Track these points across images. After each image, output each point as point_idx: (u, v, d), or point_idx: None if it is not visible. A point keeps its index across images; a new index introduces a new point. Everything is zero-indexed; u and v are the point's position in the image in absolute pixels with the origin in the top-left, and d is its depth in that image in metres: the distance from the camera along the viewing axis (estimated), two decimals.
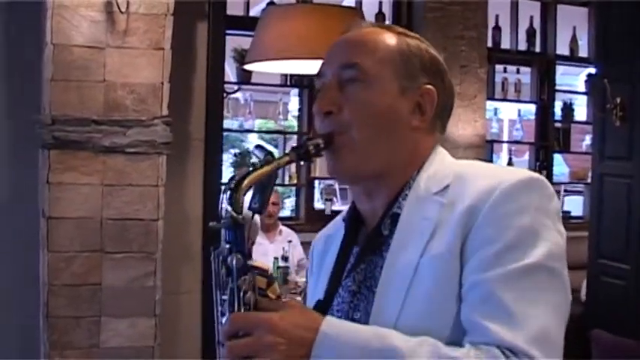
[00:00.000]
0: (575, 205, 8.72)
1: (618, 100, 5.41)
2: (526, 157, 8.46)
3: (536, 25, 7.76)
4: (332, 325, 1.36)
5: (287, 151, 1.50)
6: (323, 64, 1.60)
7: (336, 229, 1.69)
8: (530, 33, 7.74)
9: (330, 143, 1.52)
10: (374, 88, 1.53)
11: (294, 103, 8.14)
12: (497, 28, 7.49)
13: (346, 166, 1.54)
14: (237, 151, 7.59)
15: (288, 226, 6.97)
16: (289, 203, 8.98)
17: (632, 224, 5.47)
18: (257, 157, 1.49)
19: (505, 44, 7.64)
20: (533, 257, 1.37)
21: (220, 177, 4.42)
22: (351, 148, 1.52)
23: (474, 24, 6.39)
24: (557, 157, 8.47)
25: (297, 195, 7.81)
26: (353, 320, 1.49)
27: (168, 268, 3.88)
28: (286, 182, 7.72)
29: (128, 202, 3.73)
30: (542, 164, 7.81)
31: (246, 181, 1.43)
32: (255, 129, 8.15)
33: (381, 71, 1.54)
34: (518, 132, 8.24)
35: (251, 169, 1.44)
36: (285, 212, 8.42)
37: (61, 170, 3.63)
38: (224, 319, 1.41)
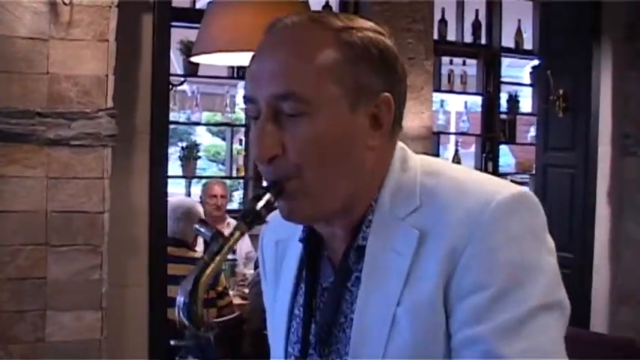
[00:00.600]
0: None
1: (561, 91, 5.51)
2: (472, 149, 8.55)
3: (482, 17, 7.84)
4: None
5: (236, 225, 1.29)
6: (250, 85, 1.32)
7: (288, 235, 1.49)
8: (476, 26, 7.84)
9: (282, 192, 1.30)
10: (319, 118, 1.28)
11: (241, 95, 8.12)
12: (443, 21, 7.57)
13: (303, 213, 1.34)
14: (184, 144, 7.54)
15: (236, 219, 6.96)
16: (237, 196, 8.98)
17: (576, 214, 5.58)
18: (203, 234, 1.29)
19: (451, 37, 7.72)
20: (531, 300, 1.21)
21: (166, 170, 4.39)
22: (306, 194, 1.31)
23: (421, 17, 6.43)
24: (504, 148, 8.59)
25: (245, 187, 7.82)
26: (321, 358, 1.38)
27: (114, 261, 3.85)
28: (234, 175, 7.73)
29: (73, 194, 3.70)
30: (489, 155, 7.92)
31: (200, 286, 1.24)
32: (203, 121, 8.13)
33: (325, 93, 1.28)
34: (465, 124, 8.35)
35: (199, 270, 1.25)
36: (233, 205, 8.42)
37: (4, 163, 3.59)
38: None
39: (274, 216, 1.35)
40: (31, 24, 3.59)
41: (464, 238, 1.23)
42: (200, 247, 5.98)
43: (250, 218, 1.27)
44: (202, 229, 1.29)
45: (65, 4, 3.59)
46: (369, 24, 1.35)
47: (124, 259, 4.14)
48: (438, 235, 1.25)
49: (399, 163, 1.37)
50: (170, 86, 4.74)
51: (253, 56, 1.34)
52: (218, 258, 1.24)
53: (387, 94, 1.32)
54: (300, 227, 1.45)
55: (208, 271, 1.24)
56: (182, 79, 6.30)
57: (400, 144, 1.40)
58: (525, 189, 1.31)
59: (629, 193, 5.58)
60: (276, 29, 1.35)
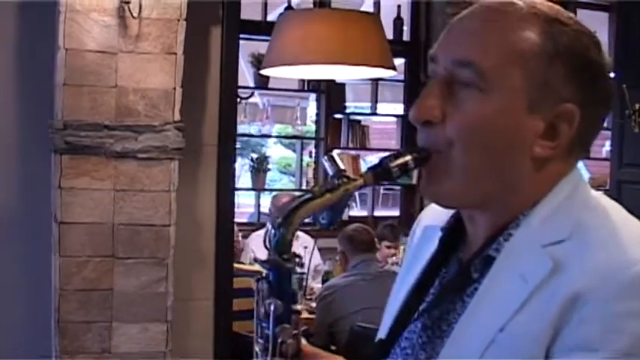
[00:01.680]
0: None
1: (637, 106, 5.36)
2: None
3: None
4: None
5: (363, 172, 1.22)
6: (437, 45, 1.24)
7: (439, 222, 1.38)
8: None
9: (425, 162, 1.21)
10: (492, 100, 1.17)
11: (311, 107, 8.14)
12: None
13: (440, 194, 1.25)
14: (255, 155, 7.57)
15: (306, 231, 6.95)
16: None
17: None
18: (326, 171, 1.23)
19: None
20: None
21: (233, 183, 4.41)
22: (448, 173, 1.21)
23: None
24: (579, 163, 8.40)
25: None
26: (417, 356, 1.30)
27: (180, 274, 3.87)
28: (304, 187, 7.73)
29: (140, 207, 3.72)
30: None
31: (299, 213, 1.18)
32: (273, 134, 8.16)
33: (507, 76, 1.17)
34: None
35: (309, 195, 1.19)
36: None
37: (73, 175, 3.63)
38: None
39: (435, 211, 1.33)
40: (100, 37, 3.62)
41: (593, 290, 1.08)
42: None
43: (378, 170, 1.20)
44: (327, 164, 1.22)
45: (134, 17, 3.61)
46: (590, 31, 1.22)
47: (189, 272, 4.16)
48: (570, 275, 1.11)
49: (569, 189, 1.22)
50: (239, 99, 4.74)
51: (450, 24, 1.24)
52: (328, 195, 1.17)
53: (573, 105, 1.18)
54: (448, 215, 1.36)
55: (312, 203, 1.17)
56: (251, 91, 6.30)
57: (581, 173, 1.27)
58: None
59: None
60: (478, 3, 1.24)
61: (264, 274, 1.22)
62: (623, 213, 1.24)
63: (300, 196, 1.19)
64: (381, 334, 1.37)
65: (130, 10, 3.60)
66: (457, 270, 1.29)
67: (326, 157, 1.24)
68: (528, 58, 1.16)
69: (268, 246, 1.20)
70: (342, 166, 1.21)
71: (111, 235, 3.70)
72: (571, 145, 1.20)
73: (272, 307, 1.18)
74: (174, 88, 3.73)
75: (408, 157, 1.20)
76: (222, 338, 4.29)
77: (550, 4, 1.21)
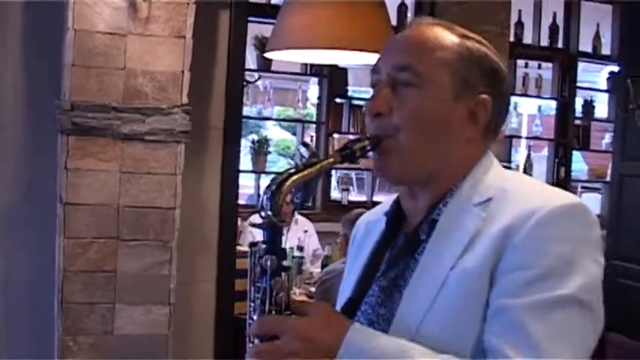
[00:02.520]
0: (593, 203, 8.67)
1: None
2: (544, 152, 8.42)
3: (559, 21, 7.71)
4: (358, 334, 1.38)
5: (331, 153, 1.51)
6: (379, 59, 1.58)
7: (378, 216, 1.70)
8: (553, 29, 7.70)
9: (378, 145, 1.52)
10: (427, 94, 1.51)
11: (313, 91, 8.12)
12: (520, 23, 7.46)
13: (392, 170, 1.54)
14: (256, 138, 7.56)
15: (304, 215, 6.97)
16: None
17: None
18: (302, 155, 1.55)
19: (527, 39, 7.60)
20: (566, 288, 1.33)
21: (238, 166, 4.40)
22: (398, 153, 1.51)
23: (498, 19, 6.34)
24: (576, 155, 8.43)
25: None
26: (378, 315, 1.53)
27: (183, 256, 3.87)
28: None
29: (145, 190, 3.72)
30: (562, 161, 7.79)
31: (287, 184, 1.44)
32: (274, 116, 8.14)
33: (437, 76, 1.51)
34: (538, 128, 8.21)
35: (293, 170, 1.46)
36: None
37: (79, 156, 3.62)
38: (255, 316, 1.43)
39: (373, 210, 1.74)
40: (110, 19, 3.61)
41: (520, 223, 1.38)
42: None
43: (344, 152, 1.50)
44: (301, 150, 1.57)
45: (144, 0, 3.60)
46: (489, 45, 1.58)
47: (193, 255, 4.17)
48: (499, 220, 1.41)
49: (487, 165, 1.56)
50: (244, 82, 4.73)
51: (386, 43, 1.61)
52: (308, 170, 1.45)
53: (487, 96, 1.53)
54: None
55: (298, 175, 1.44)
56: (256, 75, 6.29)
57: (492, 158, 1.59)
58: (586, 205, 1.44)
59: None
60: (412, 23, 1.62)
61: (256, 244, 1.45)
62: (529, 178, 1.65)
63: (285, 171, 1.45)
64: (339, 305, 1.65)
65: None
66: (405, 238, 1.58)
67: (301, 144, 1.57)
68: (451, 62, 1.51)
69: (262, 212, 1.44)
70: (314, 150, 1.58)
71: (116, 216, 3.70)
72: (486, 130, 1.56)
73: (268, 263, 1.40)
74: (183, 72, 3.72)
75: (366, 142, 1.51)
76: (223, 321, 4.30)
77: (455, 26, 1.58)
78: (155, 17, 3.67)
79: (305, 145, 1.58)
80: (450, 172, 1.54)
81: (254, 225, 1.50)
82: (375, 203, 6.94)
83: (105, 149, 3.66)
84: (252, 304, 1.45)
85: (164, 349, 3.80)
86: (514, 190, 1.48)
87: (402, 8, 7.09)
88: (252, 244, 1.46)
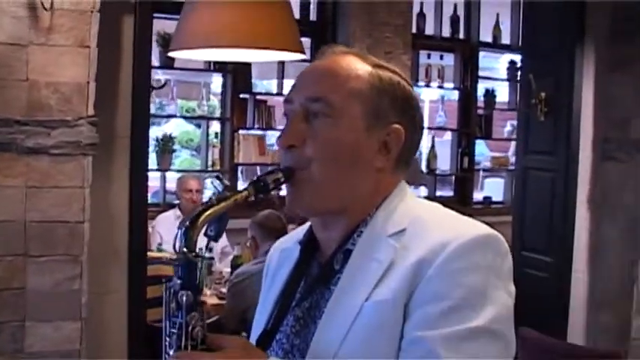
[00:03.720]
0: (497, 188, 8.84)
1: (543, 95, 5.48)
2: (446, 136, 8.54)
3: (460, 11, 7.82)
4: None
5: (245, 186, 1.50)
6: (291, 90, 1.58)
7: (291, 244, 1.70)
8: (454, 19, 7.81)
9: (291, 177, 1.51)
10: (339, 125, 1.50)
11: (216, 84, 8.05)
12: (421, 15, 7.53)
13: (304, 202, 1.54)
14: (160, 135, 7.44)
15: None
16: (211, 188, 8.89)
17: (556, 218, 5.58)
18: (215, 188, 1.54)
19: (429, 31, 7.69)
20: (479, 320, 1.36)
21: (146, 174, 4.32)
22: (309, 185, 1.51)
23: (399, 10, 6.40)
24: (479, 142, 8.58)
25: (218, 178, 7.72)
26: (292, 345, 1.53)
27: (93, 269, 3.79)
28: (209, 168, 7.66)
29: (53, 204, 3.63)
30: (465, 150, 7.91)
31: (201, 219, 1.43)
32: (178, 110, 8.03)
33: (349, 107, 1.51)
34: (441, 117, 8.32)
35: (207, 204, 1.45)
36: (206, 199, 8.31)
37: None
38: (171, 352, 1.42)
39: (287, 237, 1.74)
40: (10, 29, 3.50)
41: (433, 256, 1.39)
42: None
43: (258, 185, 1.49)
44: (216, 183, 1.56)
45: (45, 9, 3.50)
46: (402, 74, 1.59)
47: (103, 268, 4.08)
48: (413, 252, 1.42)
49: (400, 195, 1.56)
50: (151, 89, 4.65)
51: (302, 71, 1.61)
52: (222, 204, 1.45)
53: (399, 126, 1.53)
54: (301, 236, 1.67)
55: (212, 210, 1.44)
56: (163, 80, 6.19)
57: (406, 188, 1.59)
58: (498, 235, 1.46)
59: (608, 198, 5.58)
60: (325, 52, 1.61)
61: (172, 276, 1.44)
62: (443, 209, 1.59)
63: (200, 205, 1.46)
64: (254, 335, 1.64)
65: (41, 2, 3.48)
66: (319, 268, 1.58)
67: (214, 178, 1.58)
68: (363, 92, 1.52)
69: (177, 248, 1.43)
70: (227, 183, 1.59)
71: (23, 232, 3.60)
72: (398, 160, 1.56)
73: (184, 299, 1.40)
74: (88, 82, 3.64)
75: (280, 174, 1.51)
76: (136, 332, 4.23)
77: (368, 55, 1.59)
78: (58, 26, 3.57)
79: (218, 178, 1.58)
80: (362, 203, 1.54)
81: (168, 260, 1.50)
82: (281, 198, 6.93)
83: (9, 164, 3.55)
84: (167, 339, 1.44)
85: None
86: (428, 221, 1.49)
87: (303, 2, 7.06)
88: (167, 280, 1.45)
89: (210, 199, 1.47)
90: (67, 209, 3.66)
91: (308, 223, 1.68)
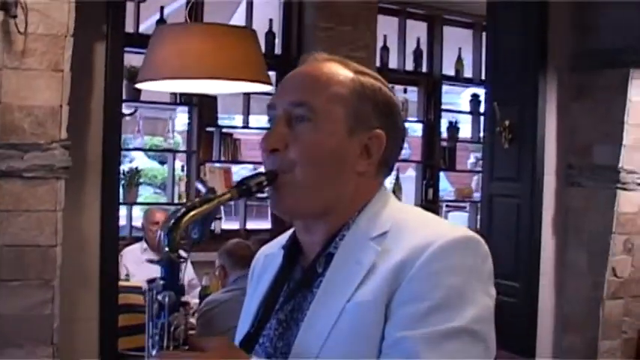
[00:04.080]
0: (460, 221, 8.91)
1: (507, 122, 5.58)
2: (409, 172, 8.59)
3: (423, 45, 7.92)
4: None
5: (229, 189, 1.51)
6: (275, 95, 1.60)
7: (275, 249, 1.71)
8: (417, 53, 7.90)
9: (273, 181, 1.53)
10: (322, 129, 1.52)
11: (181, 119, 8.07)
12: (385, 49, 7.61)
13: (286, 205, 1.56)
14: (126, 168, 7.43)
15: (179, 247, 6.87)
16: None
17: (521, 243, 5.65)
18: (199, 190, 1.56)
19: (393, 64, 7.77)
20: (459, 321, 1.37)
21: (118, 199, 4.33)
22: (292, 188, 1.53)
23: (363, 44, 6.46)
24: (441, 175, 8.65)
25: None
26: (275, 348, 1.54)
27: (65, 294, 3.77)
28: (175, 201, 7.64)
29: (25, 227, 3.62)
30: (429, 182, 7.97)
31: (185, 219, 1.43)
32: (145, 146, 8.04)
33: (331, 111, 1.53)
34: (405, 150, 8.38)
35: (191, 206, 1.45)
36: None
37: None
38: (154, 352, 1.42)
39: (271, 243, 1.74)
40: None
41: (414, 257, 1.41)
42: (144, 274, 5.91)
43: (241, 188, 1.51)
44: (200, 185, 1.59)
45: (20, 32, 3.52)
46: (382, 80, 1.61)
47: (75, 292, 4.07)
48: (395, 254, 1.44)
49: (382, 199, 1.59)
50: (121, 115, 4.67)
51: (285, 77, 1.62)
52: (206, 206, 1.45)
53: (380, 131, 1.55)
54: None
55: (195, 211, 1.44)
56: (133, 108, 6.20)
57: (388, 193, 1.62)
58: (479, 238, 1.48)
59: (572, 223, 5.67)
60: (307, 59, 1.63)
61: (153, 280, 1.44)
62: (425, 213, 1.63)
63: (183, 207, 1.46)
64: (237, 340, 1.63)
65: (16, 25, 3.50)
66: (302, 272, 1.59)
67: (199, 180, 1.57)
68: (345, 97, 1.54)
69: (162, 248, 1.43)
70: (211, 186, 1.57)
71: None
72: (380, 165, 1.58)
73: (166, 299, 1.39)
74: (61, 106, 3.65)
75: (263, 177, 1.53)
76: (107, 357, 4.21)
77: (350, 62, 1.61)
78: (31, 50, 3.58)
79: (202, 181, 1.60)
80: (344, 206, 1.56)
81: (152, 262, 1.48)
82: (248, 231, 6.91)
83: None
84: (150, 340, 1.44)
85: None
86: (409, 224, 1.51)
87: (269, 35, 7.12)
88: (150, 281, 1.45)
89: (194, 200, 1.47)
90: (39, 233, 3.64)
91: (292, 229, 1.69)
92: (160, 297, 1.40)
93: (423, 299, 1.38)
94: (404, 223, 1.51)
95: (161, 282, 1.42)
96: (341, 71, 1.57)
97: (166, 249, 1.42)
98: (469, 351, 1.37)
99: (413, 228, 1.49)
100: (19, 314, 3.62)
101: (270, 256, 1.73)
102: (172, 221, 1.42)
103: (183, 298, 1.44)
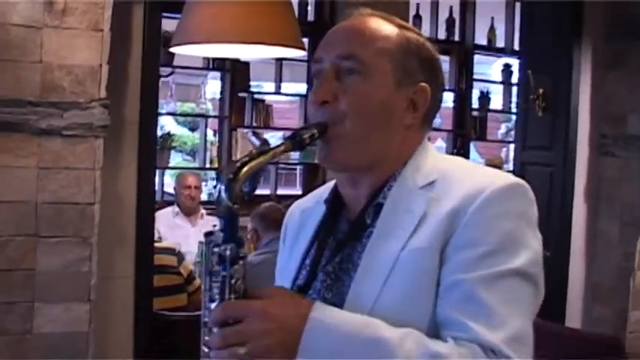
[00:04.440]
0: None
1: (541, 90, 5.55)
2: (438, 143, 8.58)
3: (456, 14, 7.88)
4: (321, 312, 1.39)
5: (282, 141, 1.52)
6: (320, 49, 1.61)
7: (313, 203, 1.73)
8: (450, 22, 7.87)
9: (324, 133, 1.54)
10: (370, 81, 1.54)
11: (211, 85, 8.08)
12: (417, 17, 7.58)
13: (337, 157, 1.57)
14: (159, 133, 7.47)
15: (208, 209, 6.94)
16: (208, 187, 8.93)
17: (553, 212, 5.64)
18: (253, 144, 1.53)
19: (425, 33, 7.71)
20: (514, 263, 1.41)
21: (155, 161, 4.36)
22: (343, 139, 1.54)
23: (396, 13, 6.40)
24: (472, 148, 8.63)
25: (218, 179, 7.76)
26: (325, 300, 1.52)
27: (102, 252, 3.82)
28: (207, 165, 7.70)
29: (64, 185, 3.66)
30: (460, 152, 7.96)
31: (243, 171, 1.43)
32: (178, 111, 8.07)
33: (379, 64, 1.55)
34: (436, 119, 8.37)
35: (247, 158, 1.45)
36: (206, 196, 8.35)
37: None
38: (213, 305, 1.42)
39: (306, 197, 1.75)
40: (25, 11, 3.55)
41: (467, 204, 1.44)
42: (175, 238, 5.99)
43: (294, 140, 1.51)
44: (253, 137, 1.57)
45: None
46: (422, 35, 1.65)
47: (111, 251, 4.11)
48: (446, 201, 1.47)
49: (425, 151, 1.61)
50: (159, 77, 4.70)
51: (326, 34, 1.63)
52: (262, 158, 1.45)
53: (426, 84, 1.58)
54: (325, 195, 1.69)
55: (254, 162, 1.44)
56: (171, 69, 6.22)
57: (430, 145, 1.65)
58: (525, 184, 1.52)
59: (605, 192, 5.66)
60: (349, 17, 1.64)
61: (210, 233, 1.44)
62: (468, 162, 1.70)
63: (242, 158, 1.46)
64: None
65: None
66: (349, 224, 1.61)
67: (251, 132, 1.67)
68: (392, 51, 1.56)
69: (220, 199, 1.42)
70: (264, 137, 1.58)
71: (34, 213, 3.63)
72: (425, 118, 1.61)
73: (227, 251, 1.39)
74: (101, 65, 3.68)
75: (314, 130, 1.53)
76: (142, 317, 4.27)
77: (394, 17, 1.64)
78: (72, 10, 3.61)
79: (254, 133, 1.59)
80: (391, 159, 1.58)
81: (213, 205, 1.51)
82: (279, 197, 6.92)
83: (22, 145, 3.59)
84: (207, 294, 1.44)
85: (85, 346, 3.75)
86: (456, 172, 1.54)
87: (302, 2, 7.12)
88: (208, 233, 1.45)
89: (251, 151, 1.47)
90: (78, 191, 3.69)
91: (330, 183, 1.71)
92: (220, 249, 1.40)
93: (478, 244, 1.42)
94: (450, 172, 1.54)
95: (221, 234, 1.41)
96: (386, 26, 1.59)
97: (226, 200, 1.41)
98: (522, 291, 1.42)
99: (461, 176, 1.52)
100: (58, 270, 3.68)
101: (307, 211, 1.75)
102: (232, 172, 1.43)
103: None
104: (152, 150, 4.30)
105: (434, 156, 1.62)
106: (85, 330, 3.75)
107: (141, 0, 4.16)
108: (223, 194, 1.42)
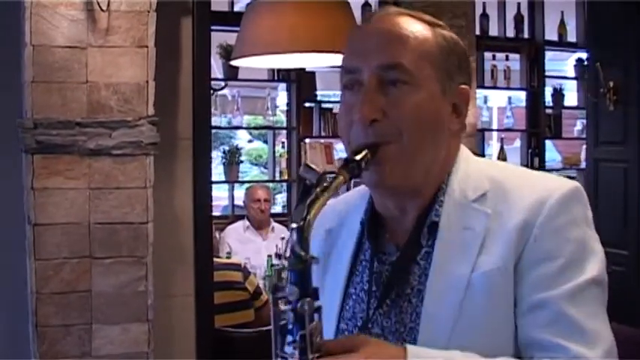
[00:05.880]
0: None
1: (611, 84, 5.35)
2: (515, 144, 8.41)
3: (524, 10, 7.71)
4: (416, 352, 1.34)
5: (337, 171, 1.41)
6: (354, 57, 1.48)
7: (339, 223, 1.64)
8: (518, 19, 7.70)
9: (375, 154, 1.43)
10: (420, 91, 1.44)
11: (281, 97, 8.07)
12: (485, 16, 7.44)
13: (395, 179, 1.46)
14: (226, 148, 7.48)
15: (279, 222, 6.91)
16: (280, 199, 8.91)
17: (629, 209, 5.42)
18: (307, 178, 1.39)
19: (493, 32, 7.59)
20: (591, 272, 1.39)
21: (210, 176, 4.31)
22: (399, 159, 1.44)
23: (462, 12, 6.29)
24: (548, 144, 8.42)
25: (289, 190, 7.76)
26: (383, 328, 1.49)
27: (159, 271, 3.78)
28: (277, 178, 7.66)
29: (116, 205, 3.63)
30: (535, 151, 7.77)
31: (312, 214, 1.32)
32: (244, 125, 8.08)
33: (424, 70, 1.45)
34: (509, 119, 8.19)
35: (312, 198, 1.35)
36: (277, 208, 8.34)
37: (45, 175, 3.52)
38: None
39: (326, 207, 1.43)
40: (68, 32, 3.52)
41: (534, 216, 1.39)
42: (247, 253, 5.97)
43: (350, 166, 1.39)
44: (307, 174, 1.38)
45: (103, 10, 3.51)
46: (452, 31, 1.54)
47: (169, 269, 4.07)
48: (509, 215, 1.41)
49: (464, 157, 1.53)
50: (211, 91, 4.65)
51: (354, 36, 1.52)
52: (326, 194, 1.34)
53: (465, 86, 1.50)
54: (352, 214, 1.61)
55: (317, 203, 1.33)
56: (223, 83, 6.20)
57: (465, 148, 1.56)
58: (580, 185, 1.47)
59: None
60: (375, 17, 1.53)
61: (278, 289, 1.33)
62: (510, 165, 1.61)
63: (305, 202, 1.33)
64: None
65: (98, 3, 3.50)
66: (397, 247, 1.52)
67: (302, 169, 1.40)
68: (433, 54, 1.46)
69: (292, 251, 1.30)
70: (320, 170, 1.40)
71: (87, 234, 3.60)
72: (464, 121, 1.53)
73: (305, 307, 1.28)
74: (147, 82, 3.63)
75: (366, 152, 1.41)
76: (204, 334, 4.21)
77: (421, 14, 1.52)
78: (115, 28, 3.57)
79: (309, 168, 1.41)
80: (439, 170, 1.50)
81: (279, 266, 1.37)
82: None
83: (72, 166, 3.56)
84: (280, 354, 1.33)
85: None
86: (507, 181, 1.47)
87: (365, 8, 7.04)
88: (276, 289, 1.34)
89: (314, 191, 1.36)
90: (130, 210, 3.65)
91: (348, 195, 1.65)
92: (297, 305, 1.29)
93: (554, 257, 1.38)
94: (501, 182, 1.47)
95: (295, 288, 1.30)
96: (420, 26, 1.48)
97: (299, 250, 1.30)
98: (601, 299, 1.42)
99: (514, 186, 1.46)
100: (114, 291, 3.64)
101: (334, 231, 1.64)
102: (300, 219, 1.32)
103: None
104: (207, 164, 4.25)
105: (475, 161, 1.55)
106: (145, 350, 3.70)
107: (189, 11, 4.11)
108: (296, 245, 1.31)
